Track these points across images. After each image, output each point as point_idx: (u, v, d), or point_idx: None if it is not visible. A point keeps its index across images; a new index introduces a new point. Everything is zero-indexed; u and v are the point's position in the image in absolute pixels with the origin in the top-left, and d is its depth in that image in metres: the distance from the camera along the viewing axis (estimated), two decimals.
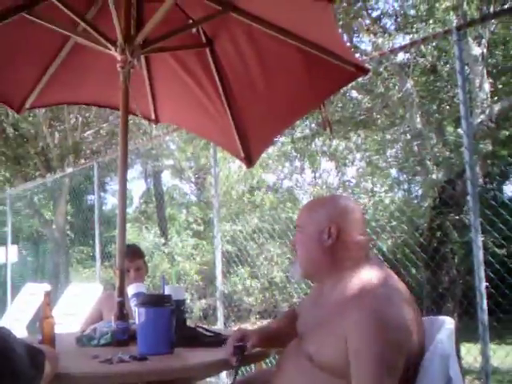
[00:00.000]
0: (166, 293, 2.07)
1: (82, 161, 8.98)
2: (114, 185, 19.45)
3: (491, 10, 6.18)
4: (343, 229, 1.72)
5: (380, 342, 1.48)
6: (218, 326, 5.09)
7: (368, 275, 1.66)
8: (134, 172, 18.51)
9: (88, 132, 11.92)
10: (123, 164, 2.41)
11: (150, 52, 2.77)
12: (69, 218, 11.91)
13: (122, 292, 2.27)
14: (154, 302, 1.89)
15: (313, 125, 8.81)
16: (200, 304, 10.30)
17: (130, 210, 18.00)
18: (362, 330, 1.50)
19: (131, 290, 2.35)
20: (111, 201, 21.20)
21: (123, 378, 1.64)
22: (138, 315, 1.86)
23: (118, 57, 2.39)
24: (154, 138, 8.15)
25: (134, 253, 3.02)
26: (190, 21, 2.84)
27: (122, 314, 2.15)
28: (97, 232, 7.02)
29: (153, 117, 3.34)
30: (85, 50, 2.68)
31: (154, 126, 10.19)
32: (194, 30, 2.86)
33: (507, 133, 7.22)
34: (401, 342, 1.50)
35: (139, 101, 2.62)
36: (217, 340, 2.04)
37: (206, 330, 2.17)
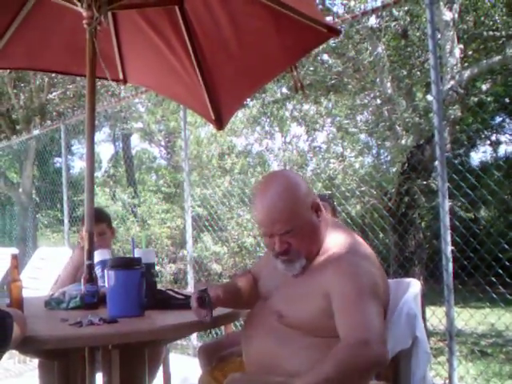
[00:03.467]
0: (136, 256, 2.05)
1: (49, 123, 8.75)
2: (81, 148, 19.16)
3: None
4: (317, 200, 1.76)
5: (359, 280, 1.56)
6: (189, 291, 5.12)
7: (338, 236, 1.73)
8: (102, 135, 18.25)
9: (54, 93, 11.63)
10: (90, 125, 2.36)
11: (118, 8, 2.67)
12: (35, 181, 11.69)
13: (90, 255, 2.25)
14: (124, 264, 1.87)
15: (283, 89, 8.75)
16: (170, 268, 10.32)
17: (98, 174, 17.78)
18: (341, 277, 1.57)
19: (95, 256, 2.31)
20: (78, 164, 20.93)
21: (93, 340, 1.64)
22: (107, 278, 1.85)
23: (84, 13, 2.31)
24: (122, 99, 7.98)
25: (95, 216, 2.92)
26: None
27: (92, 277, 2.13)
28: (65, 196, 6.93)
29: (121, 77, 3.26)
30: (49, 6, 2.58)
31: (122, 87, 10.00)
32: None
33: (476, 99, 7.29)
34: (376, 285, 1.58)
35: (106, 60, 2.54)
36: (187, 302, 2.04)
37: (177, 292, 2.17)
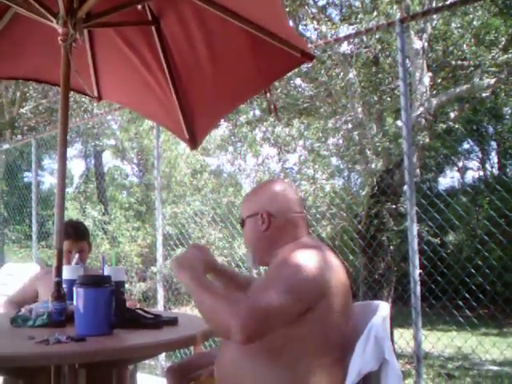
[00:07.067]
0: (106, 274, 2.04)
1: (19, 137, 8.64)
2: (51, 163, 18.91)
3: (433, 4, 6.35)
4: (275, 212, 1.79)
5: (290, 270, 1.59)
6: (158, 309, 5.07)
7: (302, 244, 1.75)
8: (73, 151, 18.06)
9: (26, 107, 11.50)
10: (63, 140, 2.34)
11: (94, 26, 2.68)
12: (4, 195, 11.49)
13: (59, 272, 2.22)
14: (94, 282, 1.86)
15: (257, 111, 8.84)
16: (140, 287, 10.21)
17: (69, 190, 17.53)
18: (277, 265, 1.67)
19: (65, 272, 2.28)
20: (49, 180, 20.62)
21: (60, 358, 1.61)
22: (76, 295, 1.83)
23: (60, 29, 2.30)
24: (95, 116, 7.94)
25: (77, 233, 2.81)
26: None
27: (60, 295, 2.10)
28: (34, 211, 6.82)
29: (95, 94, 3.26)
30: (25, 21, 2.57)
31: (95, 104, 9.96)
32: (139, 7, 2.80)
33: (444, 126, 7.46)
34: (299, 280, 1.57)
35: (81, 77, 2.54)
36: (156, 322, 2.04)
37: (146, 311, 2.16)
